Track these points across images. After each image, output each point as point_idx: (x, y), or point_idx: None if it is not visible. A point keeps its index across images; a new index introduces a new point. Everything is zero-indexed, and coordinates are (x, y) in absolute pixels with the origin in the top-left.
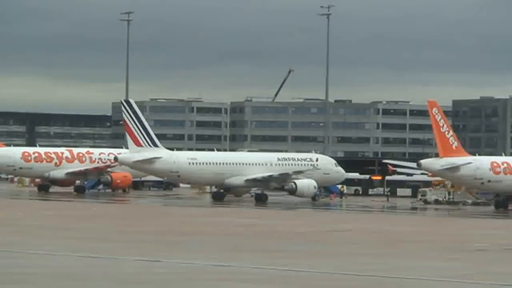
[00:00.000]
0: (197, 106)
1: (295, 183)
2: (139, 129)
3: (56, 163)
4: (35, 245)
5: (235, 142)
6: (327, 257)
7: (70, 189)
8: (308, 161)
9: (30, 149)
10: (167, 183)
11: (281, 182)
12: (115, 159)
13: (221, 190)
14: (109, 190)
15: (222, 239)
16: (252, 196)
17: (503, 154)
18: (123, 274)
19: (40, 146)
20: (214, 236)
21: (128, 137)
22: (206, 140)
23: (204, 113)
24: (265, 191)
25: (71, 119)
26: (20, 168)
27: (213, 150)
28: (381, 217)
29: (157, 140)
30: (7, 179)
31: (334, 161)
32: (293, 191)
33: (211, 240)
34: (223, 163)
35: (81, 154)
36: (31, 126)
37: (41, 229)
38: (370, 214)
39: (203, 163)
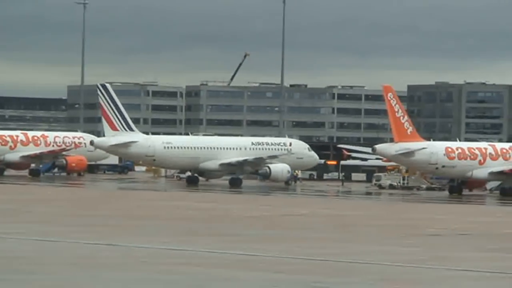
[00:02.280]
0: (152, 90)
1: (269, 168)
2: (115, 113)
3: (11, 146)
4: None
5: (191, 126)
6: (279, 241)
7: (25, 172)
8: (282, 145)
9: None
10: (122, 166)
11: (255, 167)
12: (91, 143)
13: (195, 174)
14: (64, 174)
15: (177, 223)
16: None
17: (457, 139)
18: (77, 257)
19: None
20: (169, 220)
21: (104, 121)
22: (161, 124)
23: (160, 97)
24: (240, 175)
25: (26, 102)
26: None
27: (172, 134)
28: (336, 201)
29: (133, 125)
30: None
31: (307, 146)
32: (267, 176)
33: (166, 224)
34: (198, 147)
35: (36, 138)
36: None
37: None
38: (325, 198)
39: (178, 147)
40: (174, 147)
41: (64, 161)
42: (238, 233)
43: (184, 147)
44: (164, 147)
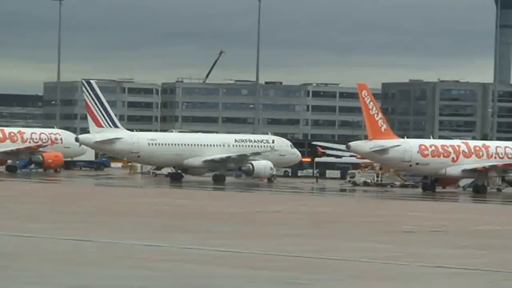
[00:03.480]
0: (128, 87)
1: (252, 164)
2: (99, 110)
3: None
4: None
5: (166, 123)
6: (254, 238)
7: (2, 168)
8: (265, 142)
9: None
10: (98, 163)
11: (239, 163)
12: (76, 139)
13: (179, 171)
14: (40, 170)
15: (153, 219)
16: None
17: (431, 137)
18: (54, 253)
19: None
20: (145, 216)
21: (89, 117)
22: (137, 121)
23: (136, 94)
24: (223, 172)
25: (2, 98)
26: None
27: (147, 130)
28: (311, 198)
29: (118, 121)
30: None
31: (289, 143)
32: (250, 172)
33: (142, 220)
34: (182, 144)
35: (12, 134)
36: None
37: None
38: (300, 195)
39: (162, 144)
40: (158, 144)
41: (41, 157)
42: (214, 229)
43: (168, 144)
44: (149, 144)
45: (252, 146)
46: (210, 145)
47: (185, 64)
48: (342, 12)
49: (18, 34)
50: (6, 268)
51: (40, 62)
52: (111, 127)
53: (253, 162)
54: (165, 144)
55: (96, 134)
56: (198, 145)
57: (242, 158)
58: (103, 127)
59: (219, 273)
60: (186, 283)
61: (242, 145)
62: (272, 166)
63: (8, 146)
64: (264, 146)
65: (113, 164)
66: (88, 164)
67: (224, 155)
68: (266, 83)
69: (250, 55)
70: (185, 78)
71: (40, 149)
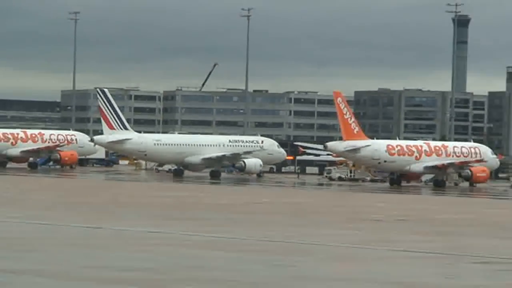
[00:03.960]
0: (134, 94)
1: (244, 162)
2: (112, 114)
3: (12, 142)
4: None
5: (167, 125)
6: (243, 225)
7: (24, 165)
8: (255, 143)
9: None
10: (108, 160)
11: (232, 161)
12: (92, 140)
13: (181, 168)
14: (58, 166)
15: (156, 209)
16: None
17: (397, 138)
18: (69, 239)
19: None
20: (149, 206)
21: (102, 121)
22: (142, 124)
23: (141, 101)
24: (218, 168)
25: (25, 104)
26: None
27: (151, 132)
28: (292, 191)
29: (127, 124)
30: None
31: (277, 143)
32: (242, 169)
33: (147, 210)
34: (183, 144)
35: (34, 135)
36: None
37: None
38: (283, 188)
39: (166, 144)
40: (163, 144)
41: (58, 156)
42: (208, 217)
43: (171, 144)
44: (154, 144)
45: (244, 146)
46: (208, 145)
47: (184, 74)
48: (321, 29)
49: (39, 48)
50: (27, 251)
51: (58, 73)
52: (121, 129)
53: (245, 159)
54: (169, 144)
55: (109, 136)
56: (197, 145)
57: (236, 156)
58: (114, 129)
59: (211, 255)
60: (182, 264)
61: (235, 145)
62: (261, 163)
63: (30, 146)
64: (254, 146)
65: (121, 162)
66: (99, 162)
67: (220, 154)
68: (254, 91)
69: (240, 67)
70: (184, 87)
71: (58, 148)
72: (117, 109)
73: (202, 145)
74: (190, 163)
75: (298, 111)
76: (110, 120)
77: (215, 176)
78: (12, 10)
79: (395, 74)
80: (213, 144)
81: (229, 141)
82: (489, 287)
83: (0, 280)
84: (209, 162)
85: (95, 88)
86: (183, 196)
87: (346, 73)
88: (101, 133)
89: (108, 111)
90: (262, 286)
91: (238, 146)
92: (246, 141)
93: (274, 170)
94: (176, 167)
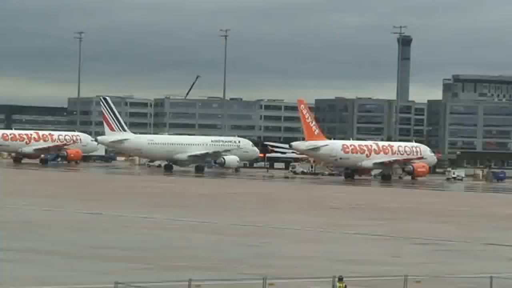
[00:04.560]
0: (129, 101)
1: (224, 158)
2: (112, 118)
3: (26, 141)
4: (9, 202)
5: (157, 128)
6: (221, 212)
7: (37, 161)
8: (233, 142)
9: (8, 132)
10: (107, 157)
11: (214, 157)
12: (96, 140)
13: (170, 163)
14: (65, 162)
15: (147, 198)
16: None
17: (351, 139)
18: (75, 223)
19: (15, 129)
20: (142, 195)
21: (104, 124)
22: (136, 127)
23: (135, 107)
24: (202, 164)
25: (38, 109)
26: (0, 145)
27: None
28: (262, 183)
29: (126, 127)
30: None
31: (251, 143)
32: (222, 164)
33: (140, 198)
34: (172, 143)
35: (44, 135)
36: (9, 114)
37: (14, 189)
38: (255, 181)
39: (158, 143)
40: (155, 143)
41: (65, 153)
42: (191, 205)
43: (162, 143)
44: (148, 143)
45: (224, 145)
46: (193, 144)
47: (171, 85)
48: (287, 47)
49: (50, 63)
50: (37, 233)
51: (65, 83)
52: (121, 131)
53: (224, 156)
54: (160, 144)
55: (110, 136)
56: (184, 144)
57: (217, 154)
58: (115, 131)
59: (193, 237)
60: (168, 244)
61: (216, 144)
62: (238, 159)
63: (41, 145)
64: (232, 145)
65: (118, 158)
66: (100, 158)
67: (203, 152)
68: (230, 99)
69: (219, 78)
70: (171, 95)
71: (65, 146)
72: (117, 114)
73: (188, 144)
74: (178, 159)
75: (267, 116)
76: (111, 123)
77: (199, 170)
78: (27, 31)
79: (350, 85)
80: (197, 143)
81: (211, 141)
82: (426, 263)
83: (17, 258)
84: (194, 158)
85: (97, 96)
86: (172, 187)
87: (308, 84)
88: (103, 134)
89: (109, 115)
90: (236, 262)
91: (219, 145)
92: (226, 141)
93: (248, 165)
94: (166, 162)
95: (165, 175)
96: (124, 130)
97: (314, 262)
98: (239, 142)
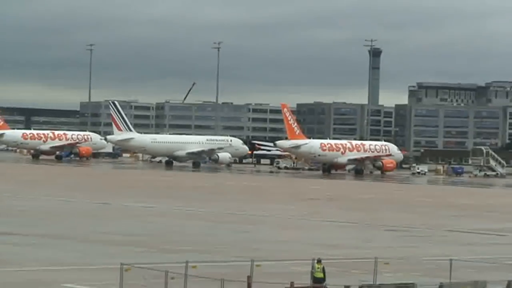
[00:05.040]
0: (134, 105)
1: (217, 155)
2: (120, 119)
3: (43, 140)
4: (28, 192)
5: (159, 128)
6: (214, 202)
7: (53, 157)
8: (226, 141)
9: (27, 131)
10: (114, 153)
11: (209, 154)
12: (105, 138)
13: (170, 159)
14: (77, 158)
15: (147, 190)
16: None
17: (328, 138)
18: (85, 211)
19: (34, 129)
20: (144, 187)
21: (113, 124)
22: (140, 127)
23: (139, 110)
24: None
25: (53, 112)
26: (21, 143)
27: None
28: (250, 177)
29: (132, 127)
30: (14, 150)
31: (242, 142)
32: (216, 160)
33: (141, 190)
34: (172, 142)
35: (59, 135)
36: (28, 116)
37: (33, 182)
38: (244, 175)
39: (160, 142)
40: (158, 142)
41: (78, 150)
42: (188, 196)
43: (164, 142)
44: (151, 142)
45: (217, 143)
46: (191, 143)
47: (171, 91)
48: (273, 58)
49: (64, 71)
50: (53, 221)
51: (77, 89)
52: (127, 131)
53: (218, 153)
54: (162, 142)
55: (118, 136)
56: (183, 142)
57: (212, 151)
58: (122, 131)
59: (190, 224)
60: (169, 230)
61: (211, 143)
62: (230, 156)
63: (57, 143)
64: (225, 144)
65: (124, 154)
66: (108, 155)
67: (200, 149)
68: (222, 103)
69: (212, 85)
70: (171, 99)
71: (77, 144)
72: (124, 115)
73: (187, 143)
74: (177, 156)
75: (255, 118)
76: (119, 124)
77: (196, 166)
78: (46, 44)
79: (327, 91)
80: (194, 142)
81: (207, 140)
82: (394, 247)
83: (33, 242)
84: (191, 155)
85: (106, 100)
86: (172, 180)
87: (290, 90)
88: (111, 134)
89: (117, 117)
90: (229, 246)
91: (213, 143)
92: (219, 140)
93: (237, 161)
94: (167, 158)
95: (166, 170)
96: (130, 130)
97: (296, 246)
98: (231, 141)
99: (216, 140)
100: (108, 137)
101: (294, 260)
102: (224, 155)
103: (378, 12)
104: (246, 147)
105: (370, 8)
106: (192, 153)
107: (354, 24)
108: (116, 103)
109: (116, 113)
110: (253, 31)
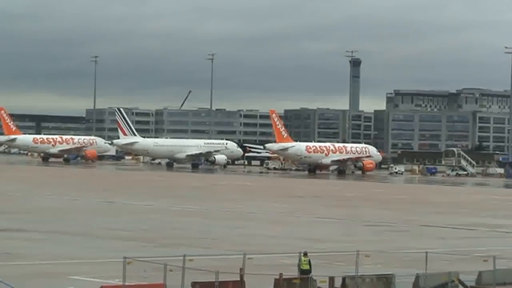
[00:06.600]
0: (135, 112)
1: (214, 157)
2: (125, 125)
3: (53, 144)
4: (38, 192)
5: (158, 133)
6: (210, 200)
7: (61, 160)
8: (222, 144)
9: (38, 136)
10: (118, 156)
11: (206, 157)
12: (111, 143)
13: (171, 161)
14: (83, 161)
15: (148, 190)
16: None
17: (313, 141)
18: (91, 209)
19: (43, 134)
20: (144, 188)
21: (118, 129)
22: (140, 132)
23: (140, 116)
24: (197, 162)
25: (62, 118)
26: (32, 147)
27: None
28: (243, 177)
29: (136, 132)
30: (25, 153)
31: (236, 145)
32: (213, 162)
33: (142, 190)
34: (173, 145)
35: (67, 139)
36: (38, 122)
37: (42, 183)
38: (236, 175)
39: (162, 145)
40: (159, 145)
41: (84, 153)
42: (185, 195)
43: (165, 145)
44: (154, 145)
45: (214, 146)
46: (190, 146)
47: (169, 98)
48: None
49: (71, 80)
50: (60, 218)
51: (84, 97)
52: (131, 135)
53: (215, 156)
54: (163, 145)
55: (123, 140)
56: (182, 146)
57: (209, 154)
58: (127, 135)
59: (187, 221)
60: (167, 227)
61: (208, 146)
62: (226, 158)
63: (65, 147)
64: (221, 147)
65: (126, 157)
66: (111, 157)
67: (198, 152)
68: (216, 109)
69: (207, 93)
70: (169, 106)
71: (83, 148)
72: (128, 121)
73: (186, 146)
74: (177, 158)
75: (246, 123)
76: (124, 129)
77: (194, 167)
78: (55, 55)
79: (312, 98)
80: (193, 145)
81: (204, 143)
82: (374, 241)
83: (43, 238)
84: (190, 157)
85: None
86: (171, 180)
87: (279, 97)
88: (115, 138)
89: (122, 123)
90: (223, 240)
91: (211, 146)
92: (216, 143)
93: (231, 162)
94: (168, 160)
95: (168, 171)
96: (134, 135)
97: (284, 240)
98: (226, 144)
99: (213, 144)
100: (115, 141)
101: (282, 253)
102: (221, 157)
103: (361, 26)
104: (240, 150)
105: (354, 22)
106: (191, 155)
107: (338, 37)
108: (122, 110)
109: (121, 119)
110: (245, 44)
